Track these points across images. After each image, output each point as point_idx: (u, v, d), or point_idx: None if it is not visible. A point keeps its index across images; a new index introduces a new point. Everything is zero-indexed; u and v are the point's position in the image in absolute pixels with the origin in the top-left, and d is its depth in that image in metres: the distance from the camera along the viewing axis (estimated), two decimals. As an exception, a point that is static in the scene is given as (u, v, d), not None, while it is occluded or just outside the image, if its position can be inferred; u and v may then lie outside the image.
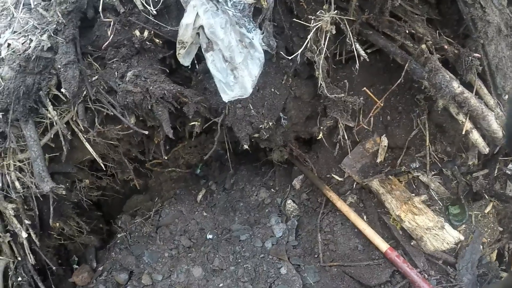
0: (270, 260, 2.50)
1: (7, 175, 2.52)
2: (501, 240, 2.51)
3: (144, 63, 2.40)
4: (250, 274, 2.45)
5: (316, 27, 2.12)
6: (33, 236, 2.51)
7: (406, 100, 2.53)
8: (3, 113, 2.41)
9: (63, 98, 2.44)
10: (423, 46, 2.21)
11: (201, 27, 2.10)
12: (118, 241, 2.85)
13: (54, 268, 2.58)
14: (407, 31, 2.25)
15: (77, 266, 2.83)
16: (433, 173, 2.55)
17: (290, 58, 2.14)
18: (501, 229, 2.51)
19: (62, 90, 2.31)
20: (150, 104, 2.31)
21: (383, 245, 2.36)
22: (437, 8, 2.38)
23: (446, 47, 2.22)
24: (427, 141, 2.49)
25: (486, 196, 2.51)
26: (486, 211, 2.49)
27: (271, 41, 2.25)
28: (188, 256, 2.65)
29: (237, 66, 2.11)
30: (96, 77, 2.41)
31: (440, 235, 2.33)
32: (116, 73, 2.38)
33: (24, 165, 2.52)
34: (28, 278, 2.59)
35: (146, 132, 2.36)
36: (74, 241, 2.74)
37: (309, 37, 2.11)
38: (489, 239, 2.46)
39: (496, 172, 2.52)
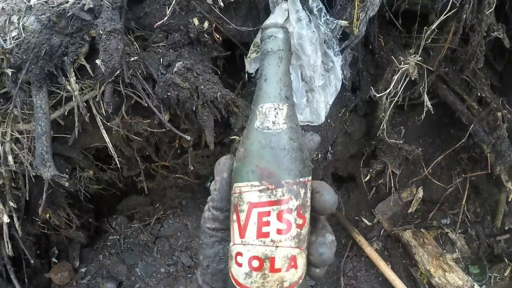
0: (285, 298, 2.13)
1: (0, 145, 1.95)
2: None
3: (195, 57, 1.97)
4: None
5: (401, 69, 1.83)
6: (16, 222, 1.96)
7: (449, 157, 2.33)
8: (14, 70, 1.85)
9: (90, 72, 1.92)
10: (499, 113, 2.00)
11: (286, 35, 1.73)
12: (109, 244, 2.34)
13: (32, 261, 2.02)
14: (479, 94, 2.04)
15: (56, 261, 2.28)
16: (459, 231, 2.37)
17: (380, 95, 1.81)
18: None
19: (98, 61, 1.76)
20: (195, 105, 1.88)
21: (410, 299, 2.11)
22: (500, 75, 2.22)
23: (509, 116, 2.05)
24: (464, 199, 2.32)
25: (506, 260, 2.36)
26: (505, 274, 2.33)
27: (345, 71, 1.94)
28: (187, 276, 2.21)
29: (314, 89, 1.76)
30: (136, 58, 1.93)
31: None
32: (161, 59, 1.93)
33: (22, 138, 1.97)
34: (0, 266, 2.03)
35: (188, 138, 1.92)
36: (59, 233, 2.18)
37: (394, 78, 1.81)
38: (503, 302, 2.32)
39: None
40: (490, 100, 2.04)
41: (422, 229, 2.35)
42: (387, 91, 1.80)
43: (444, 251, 2.31)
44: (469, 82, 2.05)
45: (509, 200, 2.14)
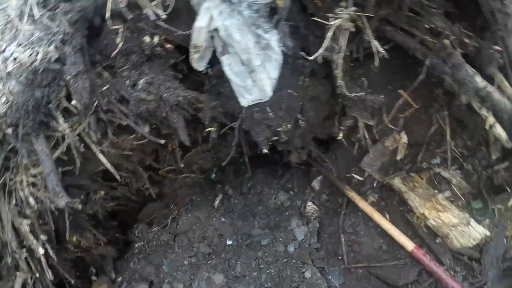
0: (294, 264, 2.32)
1: (20, 191, 2.31)
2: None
3: (155, 69, 2.19)
4: (274, 280, 2.27)
5: (335, 25, 1.91)
6: (50, 251, 2.31)
7: (424, 96, 2.35)
8: (13, 128, 2.20)
9: (74, 110, 2.23)
10: (446, 41, 2.01)
11: (216, 29, 1.89)
12: (136, 251, 2.66)
13: (72, 281, 2.37)
14: (426, 26, 2.05)
15: (95, 278, 2.64)
16: (454, 168, 2.36)
17: (309, 58, 1.92)
18: (524, 220, 2.34)
19: (73, 102, 2.11)
20: (164, 112, 2.11)
21: (408, 244, 2.19)
22: (453, 1, 2.19)
23: (466, 41, 2.03)
24: (448, 136, 2.31)
25: (508, 189, 2.32)
26: (509, 204, 2.30)
27: (287, 42, 2.05)
28: (208, 263, 2.47)
29: (255, 69, 1.92)
30: (107, 86, 2.20)
31: (466, 231, 2.16)
32: (127, 81, 2.18)
33: (37, 180, 2.31)
34: (47, 293, 2.39)
35: (162, 141, 2.15)
36: (91, 253, 2.52)
37: (328, 36, 1.90)
38: (513, 232, 2.29)
39: (516, 164, 2.34)
40: (441, 29, 2.04)
41: (412, 173, 2.38)
42: (320, 50, 1.88)
43: (436, 191, 2.34)
44: (414, 17, 2.05)
45: (487, 128, 2.09)
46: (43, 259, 2.29)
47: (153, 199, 2.82)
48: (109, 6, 2.09)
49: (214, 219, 2.68)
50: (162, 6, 2.06)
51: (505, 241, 2.25)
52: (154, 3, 2.06)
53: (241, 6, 1.87)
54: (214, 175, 2.91)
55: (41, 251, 2.28)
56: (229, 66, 1.94)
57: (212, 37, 1.95)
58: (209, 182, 2.91)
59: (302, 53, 1.99)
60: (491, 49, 2.02)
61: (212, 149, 2.76)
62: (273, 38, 1.93)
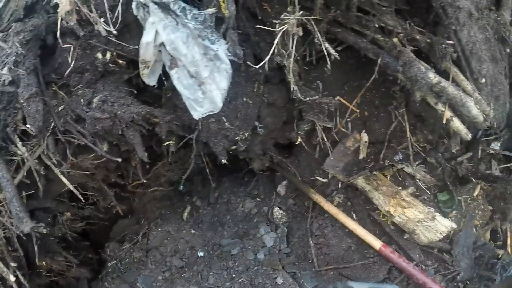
0: (265, 271, 2.33)
1: (-17, 219, 2.29)
2: (494, 221, 2.37)
3: (109, 86, 2.18)
4: (247, 288, 2.27)
5: (282, 30, 1.91)
6: (21, 278, 2.30)
7: (381, 94, 2.36)
8: (-30, 154, 2.18)
9: (32, 132, 2.21)
10: (395, 39, 2.02)
11: (162, 44, 1.88)
12: (110, 270, 2.65)
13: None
14: (376, 25, 2.06)
15: (70, 302, 2.61)
16: (417, 163, 2.40)
17: (258, 66, 1.92)
18: (491, 208, 2.39)
19: (27, 125, 2.09)
20: (120, 129, 2.10)
21: (376, 243, 2.20)
22: (406, -4, 2.19)
23: (417, 37, 2.04)
24: (408, 132, 2.33)
25: (473, 179, 2.36)
26: (474, 194, 2.35)
27: (237, 50, 2.03)
28: (182, 276, 2.47)
29: (204, 81, 1.91)
30: (63, 106, 2.19)
31: (432, 226, 2.17)
32: (82, 100, 2.16)
33: (1, 206, 2.29)
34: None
35: (119, 160, 2.14)
36: (65, 276, 2.51)
37: (275, 42, 1.91)
38: (481, 221, 2.34)
39: (479, 153, 2.37)
40: (392, 27, 2.04)
41: (375, 172, 2.38)
42: (268, 57, 1.89)
43: (400, 188, 2.35)
44: (364, 17, 2.05)
45: (444, 123, 2.09)
46: (15, 287, 2.28)
47: (124, 215, 2.82)
48: (59, 24, 2.08)
49: (185, 231, 2.68)
50: (112, 22, 2.05)
51: (474, 230, 2.29)
52: (103, 19, 2.04)
53: (186, 19, 1.86)
54: (182, 186, 2.91)
55: (12, 278, 2.27)
56: (179, 80, 1.93)
57: (160, 51, 1.95)
58: (178, 194, 2.92)
59: (248, 62, 1.98)
60: (443, 44, 2.02)
61: (179, 160, 2.76)
62: (220, 48, 1.92)
